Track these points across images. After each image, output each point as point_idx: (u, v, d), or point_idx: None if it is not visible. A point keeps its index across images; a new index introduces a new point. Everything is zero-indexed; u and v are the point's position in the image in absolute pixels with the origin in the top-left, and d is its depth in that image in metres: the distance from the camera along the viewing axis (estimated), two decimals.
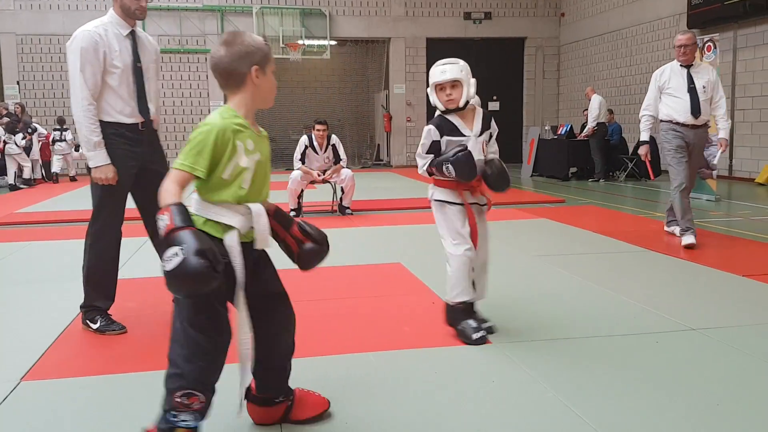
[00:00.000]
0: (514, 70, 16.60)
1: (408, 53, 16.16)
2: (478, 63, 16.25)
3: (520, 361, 2.84)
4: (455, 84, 3.01)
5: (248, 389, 2.22)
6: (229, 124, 1.91)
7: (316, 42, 15.53)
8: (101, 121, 3.20)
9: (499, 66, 16.22)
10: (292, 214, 7.48)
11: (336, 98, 17.37)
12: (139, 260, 5.02)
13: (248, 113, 2.00)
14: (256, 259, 2.05)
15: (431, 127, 3.10)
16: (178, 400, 1.86)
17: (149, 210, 1.93)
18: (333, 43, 15.89)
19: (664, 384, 2.59)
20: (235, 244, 1.89)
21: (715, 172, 8.61)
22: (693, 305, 3.68)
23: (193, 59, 15.33)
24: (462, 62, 3.09)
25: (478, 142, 3.08)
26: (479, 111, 3.17)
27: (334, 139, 7.67)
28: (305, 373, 2.71)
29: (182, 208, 1.79)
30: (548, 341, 3.11)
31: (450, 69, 3.02)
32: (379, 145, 17.42)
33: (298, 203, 7.53)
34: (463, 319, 3.12)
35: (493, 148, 3.23)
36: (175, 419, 1.87)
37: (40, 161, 13.11)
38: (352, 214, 7.60)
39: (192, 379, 1.87)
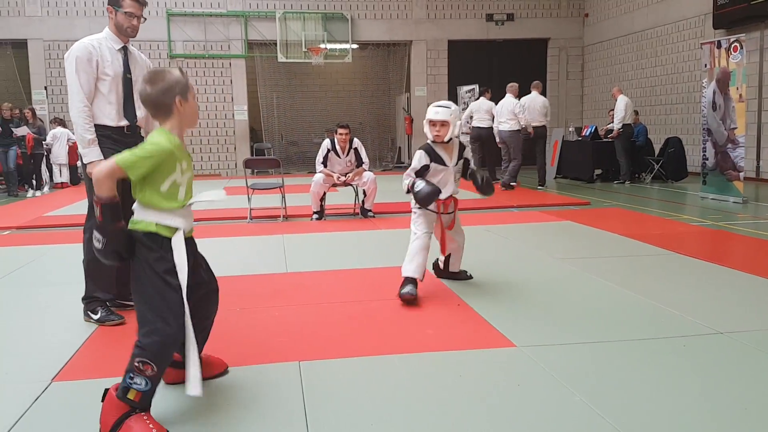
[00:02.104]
0: (537, 72, 16.46)
1: (429, 56, 16.15)
2: (500, 64, 16.23)
3: (545, 365, 2.82)
4: (444, 123, 3.84)
5: None
6: (174, 149, 2.27)
7: (338, 46, 15.59)
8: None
9: (521, 67, 16.12)
10: (315, 216, 7.53)
11: (357, 101, 17.41)
12: None
13: (179, 134, 2.36)
14: (194, 251, 2.47)
15: (422, 153, 3.91)
16: (136, 365, 2.20)
17: (127, 206, 2.33)
18: (354, 46, 15.94)
19: (691, 388, 2.56)
20: (181, 243, 2.28)
21: (742, 174, 8.48)
22: (721, 308, 3.62)
23: (218, 64, 15.48)
24: (453, 107, 3.91)
25: (453, 171, 3.99)
26: (456, 143, 3.99)
27: (356, 142, 7.70)
28: (327, 375, 2.73)
29: (114, 205, 2.19)
30: (573, 345, 3.09)
31: (442, 112, 3.84)
32: (400, 147, 17.42)
33: (321, 206, 7.57)
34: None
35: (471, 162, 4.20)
36: (131, 381, 2.20)
37: (68, 165, 13.35)
38: (374, 216, 7.62)
39: (149, 350, 2.21)
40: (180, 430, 2.29)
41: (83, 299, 3.64)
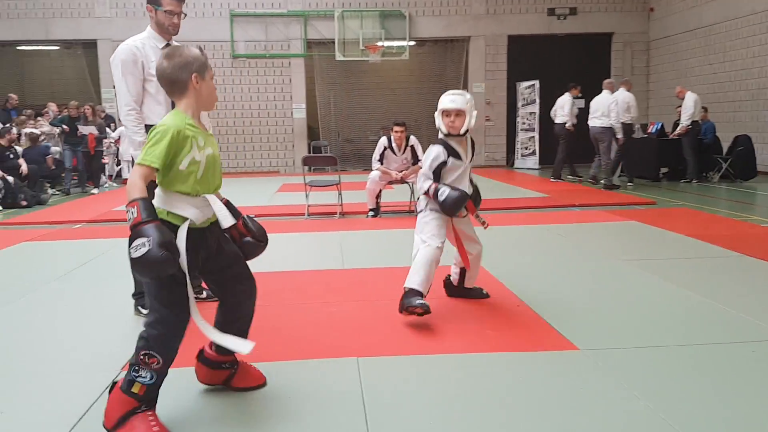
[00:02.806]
0: (601, 67, 16.03)
1: (488, 51, 15.96)
2: (561, 60, 15.88)
3: (608, 369, 2.76)
4: (459, 113, 3.46)
5: (201, 350, 2.56)
6: (182, 124, 2.22)
7: (395, 43, 15.60)
8: (145, 125, 3.58)
9: (584, 63, 15.74)
10: (371, 213, 7.56)
11: (413, 98, 17.36)
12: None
13: (194, 114, 2.31)
14: (218, 238, 2.38)
15: (440, 148, 3.50)
16: (141, 357, 2.18)
17: None
18: (412, 43, 15.91)
19: (759, 395, 2.45)
20: (183, 234, 2.20)
21: None
22: None
23: (278, 63, 15.73)
24: (469, 95, 3.54)
25: (468, 168, 3.61)
26: (469, 137, 3.62)
27: (413, 140, 7.69)
28: (386, 372, 2.74)
29: (147, 203, 2.10)
30: (638, 349, 3.00)
31: (458, 100, 3.47)
32: None
33: (377, 203, 7.60)
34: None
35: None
36: (136, 374, 2.19)
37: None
38: None
39: (153, 342, 2.18)
40: (241, 422, 2.34)
41: (133, 295, 3.70)
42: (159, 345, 2.19)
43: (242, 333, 2.47)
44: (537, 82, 14.51)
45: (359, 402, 2.47)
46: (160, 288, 2.19)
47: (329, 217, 7.67)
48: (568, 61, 15.65)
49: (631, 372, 2.72)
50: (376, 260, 5.09)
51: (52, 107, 12.78)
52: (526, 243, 5.76)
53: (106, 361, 2.94)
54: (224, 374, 2.56)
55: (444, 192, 3.44)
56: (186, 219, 2.23)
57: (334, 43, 15.50)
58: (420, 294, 3.37)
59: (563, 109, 11.39)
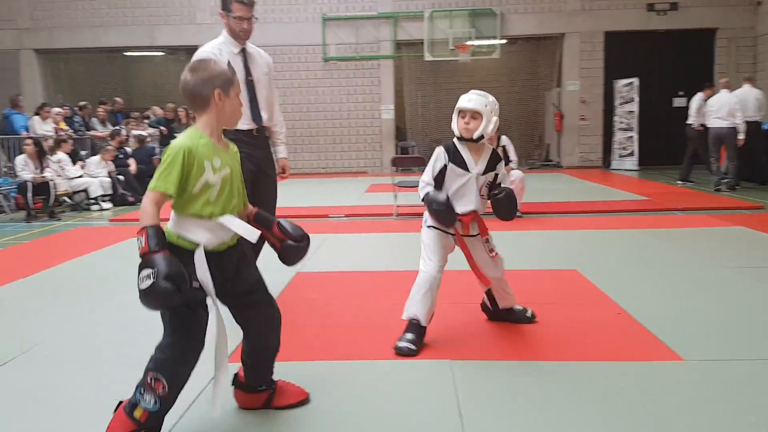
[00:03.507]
0: (704, 64, 15.19)
1: (583, 48, 15.45)
2: (661, 57, 15.17)
3: (716, 381, 2.60)
4: (475, 115, 3.07)
5: (236, 375, 2.45)
6: (195, 145, 2.10)
7: (485, 42, 15.41)
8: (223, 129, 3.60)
9: (685, 60, 14.96)
10: None
11: (504, 97, 17.06)
12: (321, 256, 5.32)
13: (213, 132, 2.19)
14: (237, 263, 2.24)
15: (442, 150, 3.15)
16: (148, 381, 2.09)
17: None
18: (503, 41, 15.67)
19: None
20: (202, 259, 2.09)
21: None
22: None
23: (367, 65, 15.91)
24: (492, 98, 3.15)
25: (478, 181, 3.12)
26: (488, 147, 3.19)
27: (505, 140, 7.55)
28: (480, 376, 2.70)
29: (157, 230, 1.99)
30: (747, 361, 2.82)
31: (476, 99, 3.11)
32: (548, 145, 16.87)
33: None
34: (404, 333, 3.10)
35: (506, 181, 3.28)
36: (141, 397, 2.09)
37: None
38: (521, 216, 7.44)
39: (161, 366, 2.09)
40: (336, 421, 2.37)
41: None
42: (166, 370, 2.09)
43: (265, 365, 2.41)
44: (636, 80, 13.92)
45: (454, 404, 2.45)
46: (173, 314, 2.10)
47: (417, 218, 7.64)
48: (669, 58, 14.92)
49: (740, 385, 2.55)
50: (465, 263, 5.01)
51: (156, 110, 13.51)
52: (626, 248, 5.53)
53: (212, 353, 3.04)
54: (262, 397, 2.46)
55: (429, 199, 3.07)
56: (197, 244, 2.12)
57: (422, 43, 15.51)
58: (419, 328, 3.11)
59: (691, 108, 10.96)
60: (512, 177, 7.35)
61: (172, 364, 2.10)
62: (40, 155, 8.92)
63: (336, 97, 15.98)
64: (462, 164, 3.11)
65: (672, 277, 4.43)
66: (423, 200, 3.13)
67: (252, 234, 2.18)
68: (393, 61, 15.93)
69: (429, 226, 3.22)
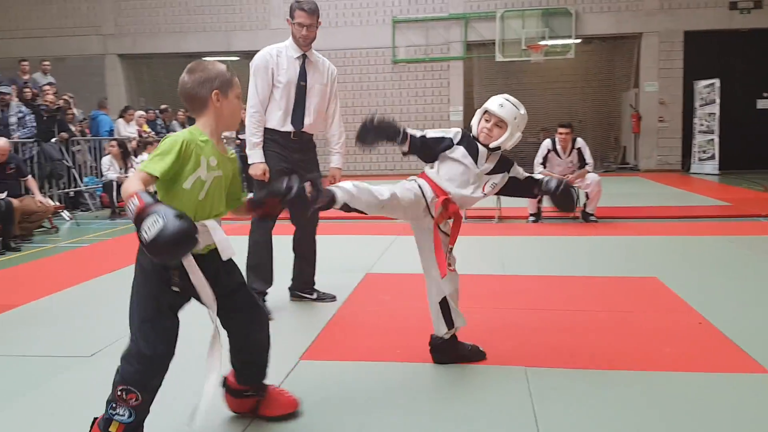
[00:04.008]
0: None
1: (662, 48, 14.91)
2: (744, 57, 14.44)
3: None
4: (501, 123, 2.79)
5: (225, 378, 2.34)
6: (195, 139, 2.05)
7: (559, 42, 15.10)
8: (265, 128, 3.73)
9: None
10: (532, 219, 7.38)
11: (578, 99, 16.69)
12: (389, 257, 5.36)
13: (213, 134, 2.14)
14: (216, 269, 2.12)
15: (459, 130, 2.85)
16: (119, 393, 2.01)
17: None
18: (577, 41, 15.31)
19: None
20: (193, 263, 1.99)
21: None
22: None
23: (437, 67, 15.88)
24: (524, 111, 2.86)
25: (481, 178, 2.82)
26: (498, 157, 2.87)
27: (580, 142, 7.38)
28: (556, 385, 2.65)
29: (148, 193, 1.82)
30: None
31: (508, 108, 2.81)
32: (625, 147, 16.36)
33: (538, 208, 7.39)
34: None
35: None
36: (113, 412, 2.01)
37: None
38: (596, 221, 7.25)
39: (130, 378, 2.00)
40: (409, 423, 2.38)
41: (290, 288, 4.00)
42: (136, 381, 2.00)
43: (251, 368, 2.33)
44: (717, 81, 13.33)
45: (530, 412, 2.41)
46: (143, 320, 2.02)
47: (487, 221, 7.59)
48: (752, 58, 14.21)
49: None
50: (539, 268, 4.94)
51: None
52: (707, 255, 5.30)
53: (287, 351, 3.11)
54: (249, 403, 2.38)
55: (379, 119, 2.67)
56: None
57: (493, 44, 15.35)
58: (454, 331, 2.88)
59: None
60: (588, 180, 7.19)
61: (142, 375, 2.01)
62: (125, 156, 9.35)
63: (404, 99, 16.01)
64: (474, 155, 2.79)
65: (756, 285, 4.21)
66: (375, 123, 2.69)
67: (228, 251, 2.08)
68: (463, 62, 15.83)
69: (416, 188, 2.79)
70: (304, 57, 3.79)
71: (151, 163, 1.97)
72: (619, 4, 14.96)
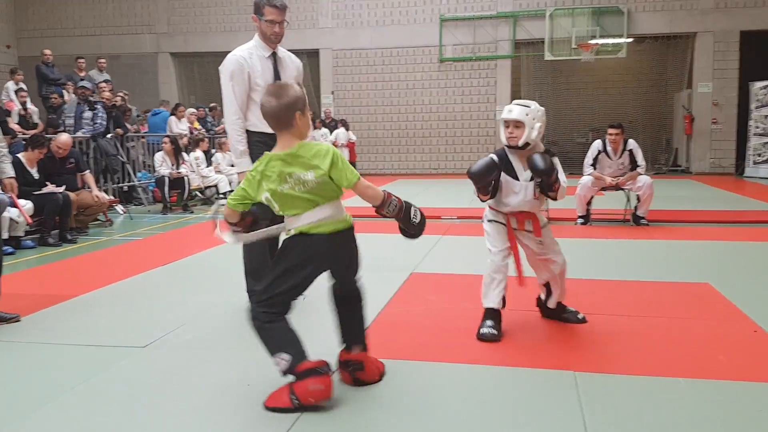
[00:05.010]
0: None
1: (717, 48, 14.48)
2: None
3: None
4: (518, 124, 3.23)
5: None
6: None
7: (610, 41, 14.81)
8: (248, 131, 3.69)
9: None
10: (580, 221, 7.26)
11: (629, 99, 16.33)
12: (434, 257, 5.36)
13: (289, 144, 2.51)
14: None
15: (495, 158, 3.33)
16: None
17: None
18: (629, 40, 14.98)
19: None
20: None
21: None
22: None
23: (483, 65, 15.76)
24: (533, 106, 3.27)
25: (529, 186, 3.28)
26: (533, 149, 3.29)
27: (632, 143, 7.22)
28: (606, 390, 2.62)
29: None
30: None
31: (517, 110, 3.24)
32: (677, 149, 15.94)
33: (587, 210, 7.27)
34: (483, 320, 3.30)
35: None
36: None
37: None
38: (647, 224, 7.09)
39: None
40: (454, 420, 2.38)
41: (247, 291, 3.89)
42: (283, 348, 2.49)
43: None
44: None
45: (579, 418, 2.38)
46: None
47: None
48: None
49: None
50: (587, 271, 4.86)
51: None
52: (762, 261, 5.14)
53: (327, 348, 3.15)
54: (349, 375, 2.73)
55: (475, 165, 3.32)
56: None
57: (542, 42, 15.16)
58: (495, 314, 3.33)
59: None
60: (639, 183, 7.04)
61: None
62: (176, 152, 9.58)
63: (450, 98, 15.96)
64: (511, 172, 3.32)
65: None
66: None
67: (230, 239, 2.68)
68: (510, 61, 15.68)
69: (489, 221, 3.48)
70: (274, 55, 3.79)
71: (353, 172, 2.48)
72: (673, 3, 14.60)
